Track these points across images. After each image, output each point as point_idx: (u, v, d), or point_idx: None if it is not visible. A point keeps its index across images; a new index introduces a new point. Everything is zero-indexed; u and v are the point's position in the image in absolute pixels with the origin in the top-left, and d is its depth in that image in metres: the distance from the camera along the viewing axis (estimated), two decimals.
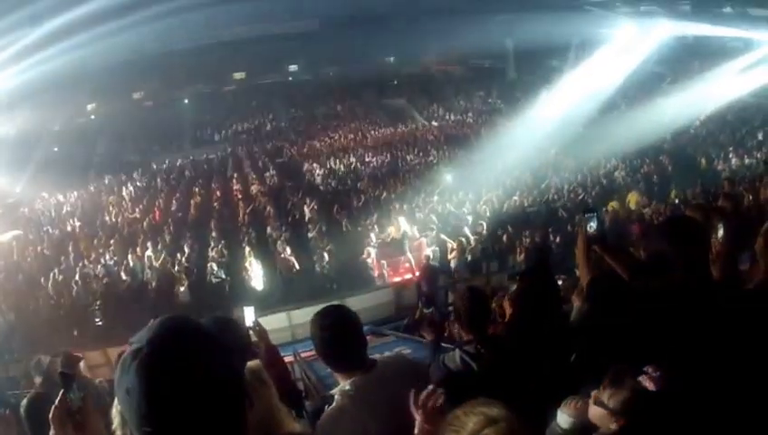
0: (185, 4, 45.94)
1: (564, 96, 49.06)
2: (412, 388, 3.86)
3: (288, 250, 26.32)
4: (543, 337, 5.91)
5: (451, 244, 26.13)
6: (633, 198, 29.41)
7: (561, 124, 43.64)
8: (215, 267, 25.08)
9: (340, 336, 4.81)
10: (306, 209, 32.13)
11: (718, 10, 43.12)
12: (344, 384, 4.81)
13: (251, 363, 4.82)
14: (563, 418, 4.93)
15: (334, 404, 4.83)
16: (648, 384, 4.24)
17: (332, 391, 4.95)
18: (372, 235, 29.17)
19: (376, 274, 25.78)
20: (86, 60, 46.22)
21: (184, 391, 2.23)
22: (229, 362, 2.45)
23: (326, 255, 26.70)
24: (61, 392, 3.12)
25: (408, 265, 25.91)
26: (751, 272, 6.19)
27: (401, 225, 28.66)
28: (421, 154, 46.47)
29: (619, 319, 5.51)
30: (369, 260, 26.17)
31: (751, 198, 14.89)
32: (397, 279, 25.25)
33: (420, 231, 28.31)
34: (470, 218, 29.20)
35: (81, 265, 27.31)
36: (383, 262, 26.06)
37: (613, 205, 28.03)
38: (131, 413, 2.24)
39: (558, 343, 5.70)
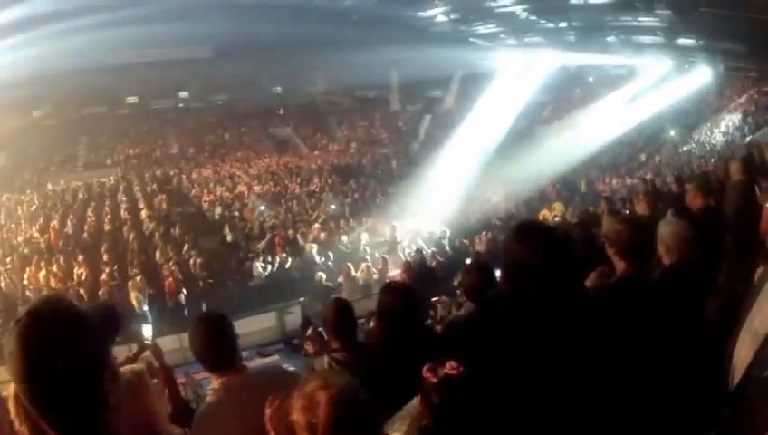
0: (87, 24, 45.45)
1: (457, 132, 49.49)
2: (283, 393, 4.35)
3: (173, 275, 26.75)
4: (406, 346, 6.19)
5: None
6: (558, 208, 30.25)
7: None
8: (106, 291, 25.31)
9: (210, 337, 5.19)
10: (188, 237, 32.14)
11: (603, 39, 43.60)
12: (215, 384, 5.16)
13: (135, 366, 5.35)
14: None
15: (204, 402, 5.30)
16: (428, 375, 4.50)
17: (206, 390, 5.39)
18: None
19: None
20: None
21: (51, 355, 2.62)
22: (93, 337, 2.82)
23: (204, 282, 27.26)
24: None
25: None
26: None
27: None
28: (304, 183, 46.69)
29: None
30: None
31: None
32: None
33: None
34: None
35: None
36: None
37: (544, 214, 28.92)
38: (12, 373, 2.67)
39: (421, 352, 5.43)
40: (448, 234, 29.16)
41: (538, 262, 4.30)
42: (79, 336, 2.79)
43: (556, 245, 4.38)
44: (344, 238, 31.24)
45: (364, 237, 30.76)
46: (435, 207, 34.66)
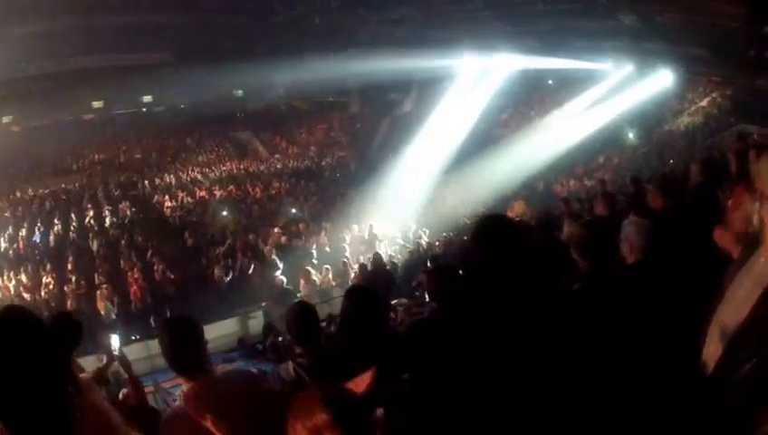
0: (54, 28, 45.41)
1: (416, 135, 49.74)
2: (245, 398, 4.26)
3: (138, 283, 26.63)
4: (370, 351, 5.84)
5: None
6: (519, 208, 30.33)
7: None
8: (73, 300, 25.14)
9: (179, 340, 5.09)
10: (151, 244, 32.22)
11: (565, 43, 43.63)
12: (184, 388, 5.04)
13: (82, 375, 5.08)
14: None
15: (173, 406, 5.30)
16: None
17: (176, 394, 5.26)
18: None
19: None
20: None
21: (11, 364, 2.72)
22: (53, 347, 2.89)
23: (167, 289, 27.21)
24: None
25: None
26: None
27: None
28: (264, 187, 46.90)
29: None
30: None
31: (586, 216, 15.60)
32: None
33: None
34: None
35: None
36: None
37: (508, 213, 29.06)
38: None
39: (385, 357, 5.30)
40: (428, 234, 29.37)
41: (494, 260, 4.22)
42: (39, 346, 2.85)
43: (514, 242, 4.27)
44: (326, 239, 31.67)
45: (347, 237, 31.06)
46: (397, 209, 34.69)
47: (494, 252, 4.22)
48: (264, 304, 24.48)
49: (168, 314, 23.51)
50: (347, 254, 27.99)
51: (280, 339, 18.68)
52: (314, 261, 27.86)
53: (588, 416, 3.86)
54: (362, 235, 30.96)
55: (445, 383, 4.21)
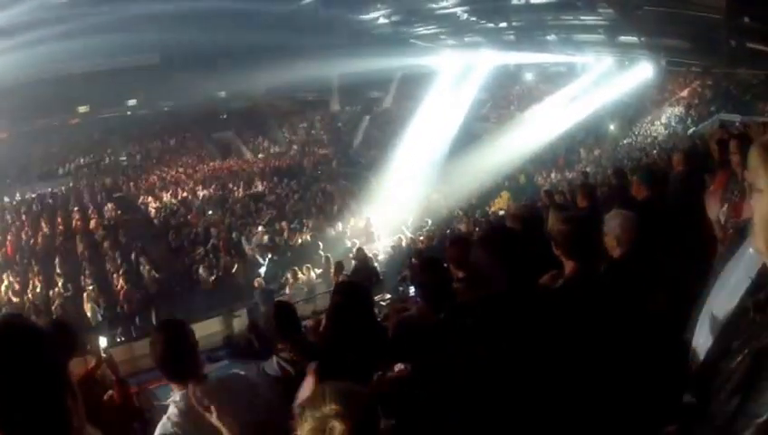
0: (39, 36, 45.31)
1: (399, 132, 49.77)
2: (244, 401, 4.20)
3: (122, 283, 26.52)
4: (358, 346, 5.90)
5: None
6: (505, 197, 30.35)
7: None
8: (59, 303, 25.04)
9: (171, 346, 5.00)
10: (136, 245, 31.99)
11: (543, 38, 43.71)
12: (175, 395, 4.96)
13: None
14: None
15: (167, 415, 5.00)
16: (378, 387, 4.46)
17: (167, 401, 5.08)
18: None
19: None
20: None
21: (10, 372, 2.58)
22: (51, 353, 2.77)
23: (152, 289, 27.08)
24: None
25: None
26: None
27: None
28: (247, 186, 46.95)
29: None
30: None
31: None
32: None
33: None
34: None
35: None
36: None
37: (497, 203, 29.13)
38: None
39: (373, 351, 5.69)
40: (429, 225, 29.43)
41: (506, 273, 4.25)
42: (38, 354, 2.71)
43: (517, 251, 4.24)
44: (308, 237, 31.93)
45: (348, 230, 31.56)
46: (383, 205, 34.70)
47: (501, 261, 4.31)
48: (248, 302, 24.45)
49: (155, 316, 23.51)
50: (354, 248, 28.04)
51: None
52: (320, 252, 27.91)
53: (587, 418, 3.88)
54: (360, 226, 31.00)
55: (443, 387, 4.18)
